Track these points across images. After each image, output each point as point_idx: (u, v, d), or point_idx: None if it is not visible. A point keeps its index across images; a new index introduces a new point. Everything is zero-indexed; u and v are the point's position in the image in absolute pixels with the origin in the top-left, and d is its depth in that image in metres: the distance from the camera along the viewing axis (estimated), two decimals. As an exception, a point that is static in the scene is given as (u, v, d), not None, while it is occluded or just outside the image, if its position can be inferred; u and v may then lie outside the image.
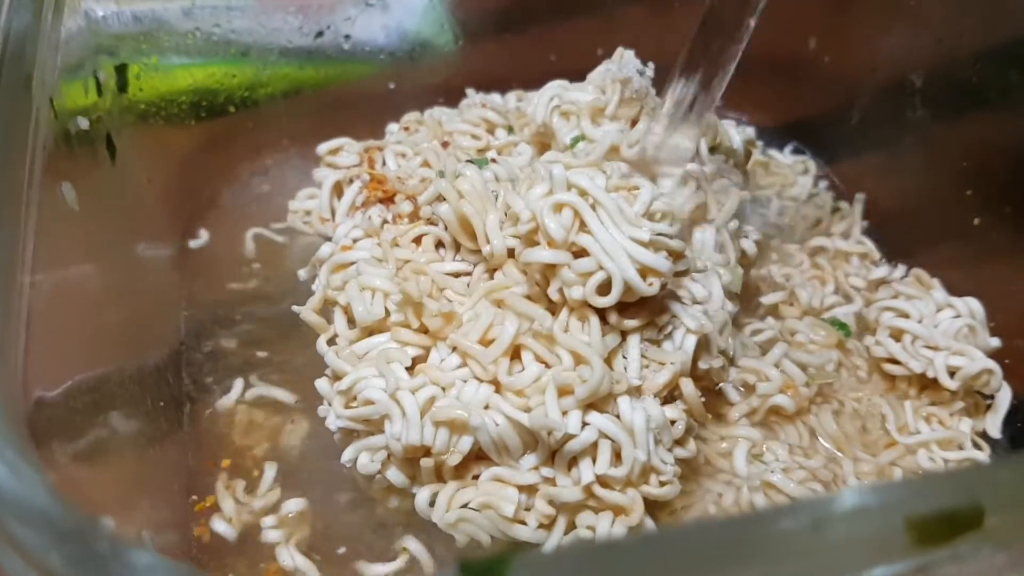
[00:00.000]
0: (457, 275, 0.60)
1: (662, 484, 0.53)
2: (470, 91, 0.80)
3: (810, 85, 0.90)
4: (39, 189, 0.43)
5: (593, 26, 0.87)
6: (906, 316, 0.67)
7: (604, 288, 0.53)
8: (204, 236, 0.73)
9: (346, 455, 0.56)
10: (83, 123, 0.53)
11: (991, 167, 0.74)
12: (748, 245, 0.68)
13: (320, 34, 0.79)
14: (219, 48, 0.75)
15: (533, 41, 0.87)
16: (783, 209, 0.80)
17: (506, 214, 0.58)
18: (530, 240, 0.55)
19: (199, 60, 0.74)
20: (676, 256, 0.56)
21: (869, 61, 0.85)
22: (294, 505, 0.58)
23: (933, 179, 0.79)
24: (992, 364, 0.64)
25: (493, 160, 0.69)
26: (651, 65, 0.70)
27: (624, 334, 0.56)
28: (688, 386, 0.56)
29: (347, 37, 0.80)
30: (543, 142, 0.72)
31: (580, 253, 0.54)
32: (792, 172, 0.86)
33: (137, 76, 0.68)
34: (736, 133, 0.72)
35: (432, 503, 0.54)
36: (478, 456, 0.54)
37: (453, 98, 0.80)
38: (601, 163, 0.61)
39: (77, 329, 0.48)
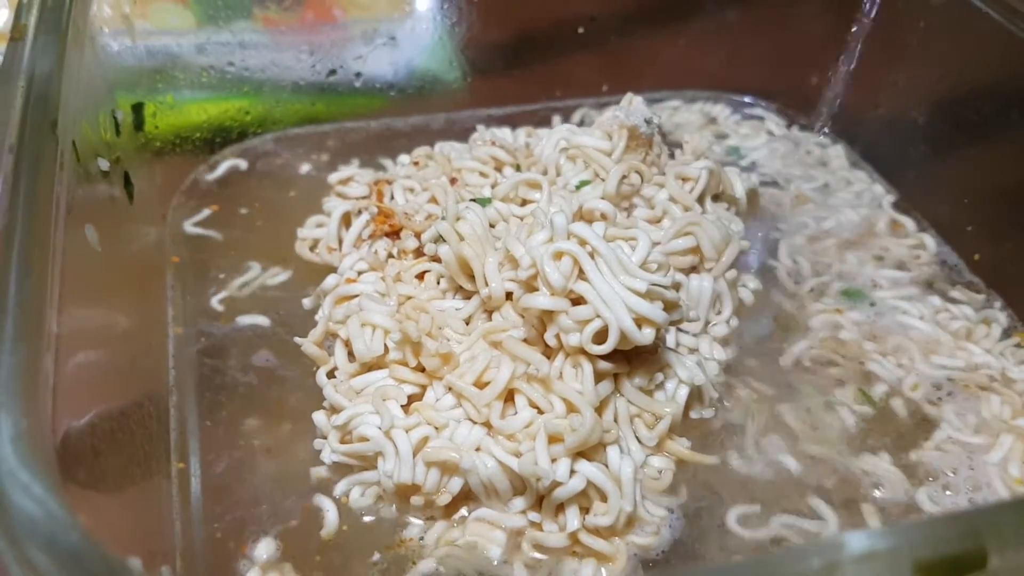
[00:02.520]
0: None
1: (648, 534, 0.54)
2: (480, 127, 0.81)
3: (812, 120, 0.92)
4: (64, 232, 0.44)
5: (598, 62, 0.89)
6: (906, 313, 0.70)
7: (600, 336, 0.54)
8: (215, 265, 0.74)
9: (339, 488, 0.57)
10: (104, 164, 0.54)
11: (992, 203, 0.75)
12: (746, 294, 0.69)
13: (332, 72, 0.81)
14: (233, 85, 0.76)
15: (539, 77, 0.88)
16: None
17: (505, 257, 0.59)
18: (529, 286, 0.56)
19: (213, 96, 0.76)
20: (671, 306, 0.57)
21: (871, 98, 0.87)
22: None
23: (934, 214, 0.79)
24: (991, 359, 0.66)
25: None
26: (659, 115, 0.71)
27: (617, 382, 0.57)
28: (675, 446, 0.57)
29: (358, 75, 0.82)
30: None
31: (578, 300, 0.55)
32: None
33: (153, 114, 0.70)
34: (739, 181, 0.73)
35: (421, 539, 0.55)
36: (467, 495, 0.55)
37: (462, 133, 0.81)
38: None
39: (100, 366, 0.49)
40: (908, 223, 0.81)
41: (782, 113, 0.94)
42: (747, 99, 0.94)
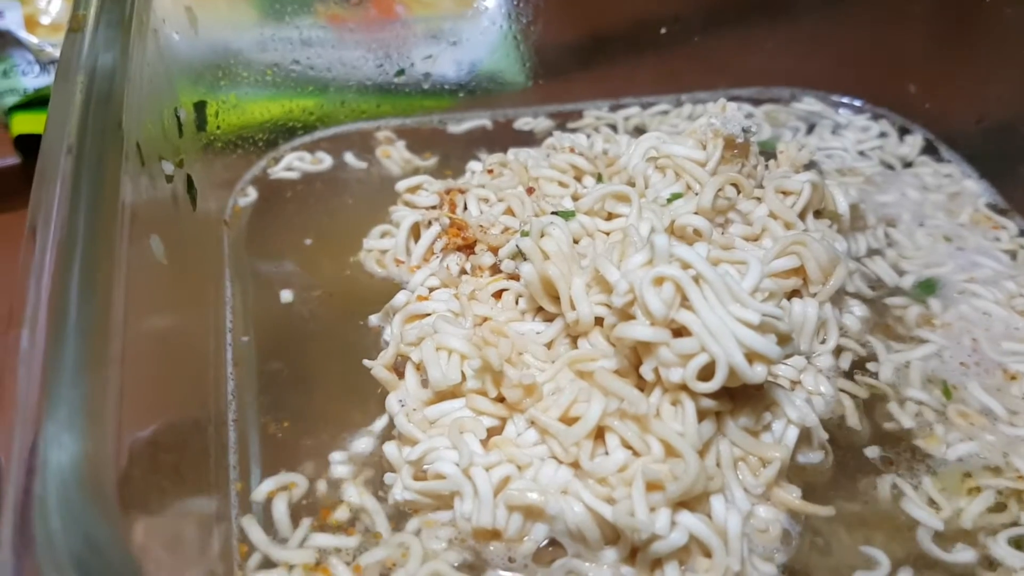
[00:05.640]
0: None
1: (757, 596, 0.48)
2: (556, 133, 0.76)
3: (910, 128, 0.86)
4: (129, 244, 0.40)
5: (672, 64, 0.83)
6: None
7: (705, 371, 0.48)
8: (276, 271, 0.69)
9: (409, 527, 0.53)
10: (168, 167, 0.49)
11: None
12: (851, 321, 0.63)
13: (401, 72, 0.76)
14: (297, 84, 0.72)
15: (610, 78, 0.83)
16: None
17: (593, 278, 0.54)
18: (624, 313, 0.51)
19: (277, 95, 0.71)
20: (784, 340, 0.51)
21: (974, 110, 0.81)
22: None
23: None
24: None
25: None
26: (757, 123, 0.65)
27: (719, 421, 0.51)
28: (784, 494, 0.51)
29: (427, 75, 0.77)
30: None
31: (680, 331, 0.49)
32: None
33: (216, 113, 0.65)
34: (842, 195, 0.67)
35: (502, 588, 0.50)
36: (552, 542, 0.50)
37: (530, 137, 0.76)
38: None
39: (161, 386, 0.45)
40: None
41: (878, 119, 0.87)
42: (843, 100, 0.88)
